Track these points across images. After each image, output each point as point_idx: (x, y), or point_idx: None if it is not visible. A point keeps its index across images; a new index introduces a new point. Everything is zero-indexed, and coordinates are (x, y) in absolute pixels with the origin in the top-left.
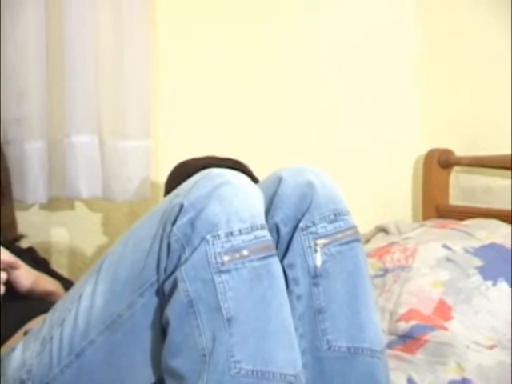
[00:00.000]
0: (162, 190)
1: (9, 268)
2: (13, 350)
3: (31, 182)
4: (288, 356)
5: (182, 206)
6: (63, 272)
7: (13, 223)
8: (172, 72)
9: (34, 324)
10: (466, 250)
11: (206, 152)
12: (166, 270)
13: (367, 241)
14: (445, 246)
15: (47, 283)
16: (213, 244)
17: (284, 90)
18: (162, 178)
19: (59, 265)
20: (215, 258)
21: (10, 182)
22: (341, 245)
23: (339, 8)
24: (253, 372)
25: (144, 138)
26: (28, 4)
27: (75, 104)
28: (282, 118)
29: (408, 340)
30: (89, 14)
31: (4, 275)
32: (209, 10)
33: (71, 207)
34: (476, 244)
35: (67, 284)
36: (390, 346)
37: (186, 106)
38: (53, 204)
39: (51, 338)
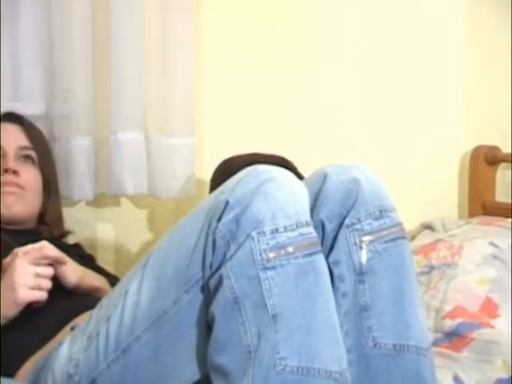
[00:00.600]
0: (207, 187)
1: (55, 263)
2: (60, 345)
3: (77, 179)
4: (333, 353)
5: (227, 203)
6: (109, 268)
7: (60, 219)
8: (217, 69)
9: (80, 320)
10: None
11: (251, 149)
12: (211, 266)
13: (413, 238)
14: (491, 244)
15: (93, 279)
16: (258, 241)
17: (329, 86)
18: (208, 174)
19: (105, 261)
20: (260, 254)
21: (57, 179)
22: (386, 242)
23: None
24: (298, 369)
25: (189, 135)
26: (74, 1)
27: (121, 101)
28: (328, 115)
29: (454, 338)
30: (134, 11)
31: (51, 270)
32: (254, 5)
33: (117, 204)
34: None
35: (113, 280)
36: (435, 343)
37: (231, 103)
38: (99, 200)
39: (98, 334)
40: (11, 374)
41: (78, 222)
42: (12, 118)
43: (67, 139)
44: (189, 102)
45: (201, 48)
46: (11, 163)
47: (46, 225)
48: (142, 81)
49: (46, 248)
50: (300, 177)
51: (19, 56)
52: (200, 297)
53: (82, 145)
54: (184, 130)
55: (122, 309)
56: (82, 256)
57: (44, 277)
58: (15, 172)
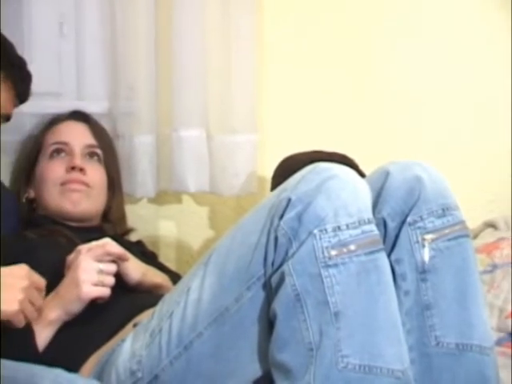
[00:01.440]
0: (268, 185)
1: (118, 260)
2: (123, 341)
3: (140, 177)
4: (396, 351)
5: (289, 200)
6: (171, 265)
7: (123, 217)
8: (279, 66)
9: (143, 316)
10: None
11: (313, 146)
12: (273, 263)
13: (475, 236)
14: None
15: (155, 276)
16: (320, 238)
17: (392, 85)
18: (269, 172)
19: (167, 258)
20: (322, 252)
21: (121, 177)
22: (449, 240)
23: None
24: (360, 367)
25: (251, 132)
26: (138, 0)
27: (183, 99)
28: (390, 113)
29: None
30: (197, 8)
31: (114, 267)
32: (315, 2)
33: (179, 201)
34: None
35: (175, 277)
36: (499, 343)
37: (292, 100)
38: (161, 198)
39: (160, 330)
40: (75, 369)
41: (141, 219)
42: (78, 116)
43: (130, 137)
44: (251, 99)
45: (263, 44)
46: (78, 161)
47: (110, 222)
48: (204, 78)
49: (109, 245)
50: (362, 175)
51: (83, 55)
52: (262, 294)
53: (144, 142)
54: (246, 127)
55: (184, 305)
56: (145, 253)
57: (107, 273)
58: (81, 170)
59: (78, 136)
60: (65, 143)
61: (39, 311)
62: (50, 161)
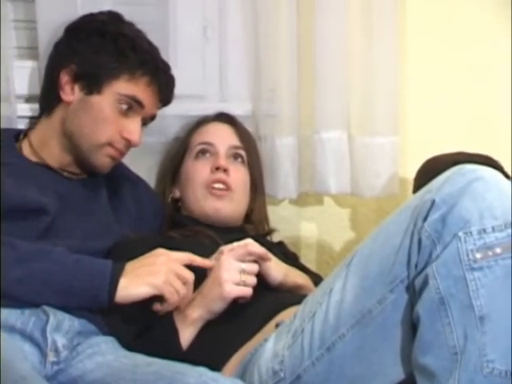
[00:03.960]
0: (410, 186)
1: (260, 260)
2: (265, 340)
3: (282, 178)
4: None
5: (433, 202)
6: (311, 266)
7: (265, 218)
8: (422, 67)
9: (285, 316)
10: None
11: (456, 148)
12: (416, 266)
13: None
14: None
15: (297, 277)
16: (465, 241)
17: None
18: (411, 173)
19: (307, 259)
20: (467, 255)
21: (263, 178)
22: None
23: None
24: (506, 373)
25: (393, 134)
26: (281, 3)
27: (325, 101)
28: None
29: None
30: (339, 11)
31: (256, 267)
32: (459, 2)
33: (320, 202)
34: None
35: (315, 278)
36: None
37: (435, 101)
38: (302, 199)
39: (302, 331)
40: (218, 368)
41: (282, 220)
42: (224, 117)
43: (272, 138)
44: (392, 100)
45: (404, 46)
46: (223, 161)
47: (252, 223)
48: (346, 80)
49: (251, 245)
50: (507, 176)
51: (226, 58)
52: (405, 296)
53: (286, 144)
54: (387, 129)
55: (326, 306)
56: (286, 254)
57: (249, 273)
58: (225, 170)
59: (223, 137)
60: (210, 144)
61: (185, 301)
62: (195, 161)
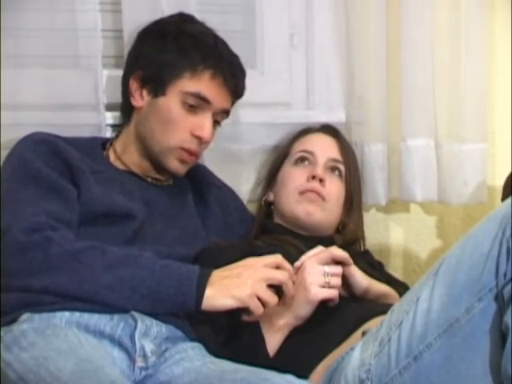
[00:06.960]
0: (498, 194)
1: (343, 264)
2: (352, 349)
3: (371, 185)
4: None
5: None
6: (398, 274)
7: (357, 233)
8: (510, 74)
9: (371, 324)
10: None
11: None
12: (505, 275)
13: None
14: None
15: (381, 285)
16: None
17: None
18: (499, 181)
19: (394, 267)
20: None
21: (361, 195)
22: None
23: None
24: None
25: (481, 141)
26: (370, 11)
27: (412, 108)
28: None
29: None
30: (427, 19)
31: (339, 269)
32: None
33: (407, 209)
34: None
35: (402, 287)
36: None
37: None
38: (389, 206)
39: (389, 340)
40: (305, 375)
41: (370, 227)
42: (328, 129)
43: (361, 145)
44: (481, 107)
45: (494, 52)
46: (320, 171)
47: (343, 235)
48: (433, 87)
49: (333, 248)
50: None
51: (313, 65)
52: (493, 305)
53: (375, 151)
54: (475, 136)
55: (413, 315)
56: (371, 263)
57: (333, 275)
58: (321, 180)
59: (324, 148)
60: (311, 152)
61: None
62: (293, 167)
